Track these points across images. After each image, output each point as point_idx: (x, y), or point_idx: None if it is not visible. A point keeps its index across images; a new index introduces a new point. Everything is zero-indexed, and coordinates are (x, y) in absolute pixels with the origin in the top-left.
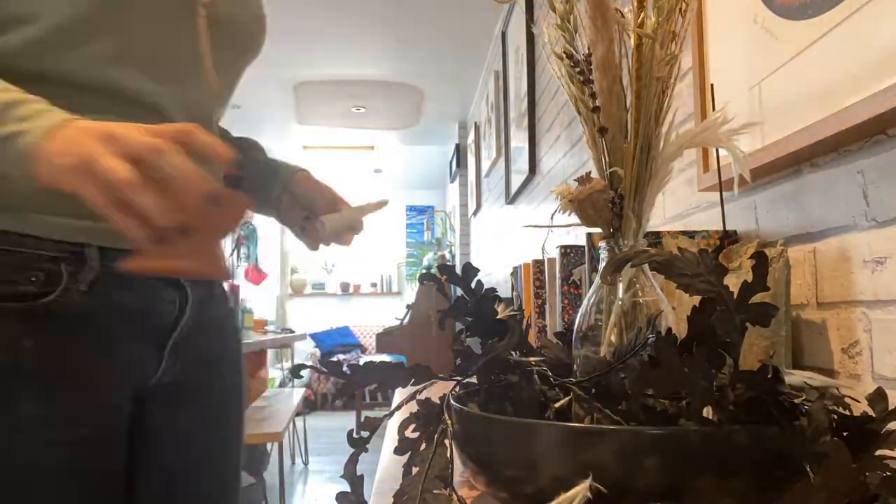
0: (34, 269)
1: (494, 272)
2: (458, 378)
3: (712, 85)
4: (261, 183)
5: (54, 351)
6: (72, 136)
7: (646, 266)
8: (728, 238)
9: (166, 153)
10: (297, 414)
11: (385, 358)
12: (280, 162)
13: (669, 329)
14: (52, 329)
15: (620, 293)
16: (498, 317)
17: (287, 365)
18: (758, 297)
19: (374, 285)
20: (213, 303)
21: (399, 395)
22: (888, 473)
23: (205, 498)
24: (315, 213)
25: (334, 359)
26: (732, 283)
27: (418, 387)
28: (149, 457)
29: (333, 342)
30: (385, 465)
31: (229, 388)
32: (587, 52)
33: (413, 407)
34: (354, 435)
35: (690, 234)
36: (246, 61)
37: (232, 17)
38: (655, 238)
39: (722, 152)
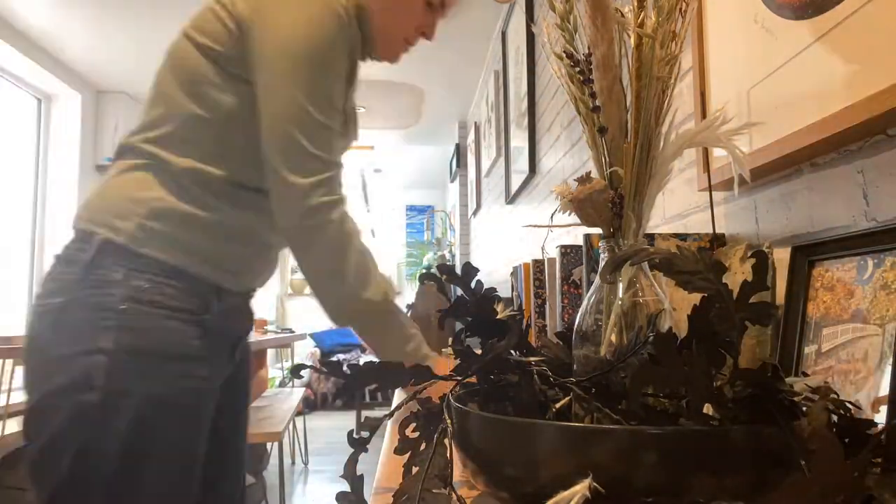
0: (195, 296)
1: (494, 272)
2: (458, 378)
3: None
4: None
5: (205, 345)
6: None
7: (645, 266)
8: (717, 241)
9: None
10: (297, 414)
11: None
12: None
13: (670, 328)
14: (203, 332)
15: (620, 293)
16: (498, 317)
17: (287, 365)
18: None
19: None
20: None
21: (399, 395)
22: (882, 473)
23: (242, 449)
24: None
25: (334, 359)
26: None
27: (418, 387)
28: (218, 422)
29: (333, 342)
30: (385, 465)
31: (249, 375)
32: (587, 52)
33: (413, 407)
34: (354, 435)
35: (682, 237)
36: None
37: None
38: (648, 241)
39: (714, 153)
